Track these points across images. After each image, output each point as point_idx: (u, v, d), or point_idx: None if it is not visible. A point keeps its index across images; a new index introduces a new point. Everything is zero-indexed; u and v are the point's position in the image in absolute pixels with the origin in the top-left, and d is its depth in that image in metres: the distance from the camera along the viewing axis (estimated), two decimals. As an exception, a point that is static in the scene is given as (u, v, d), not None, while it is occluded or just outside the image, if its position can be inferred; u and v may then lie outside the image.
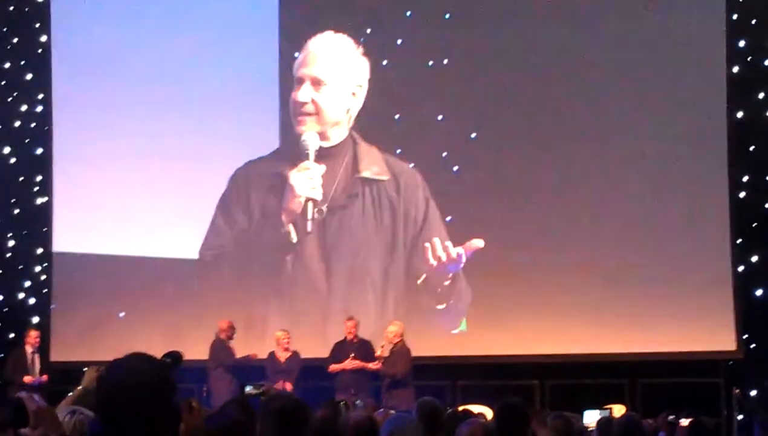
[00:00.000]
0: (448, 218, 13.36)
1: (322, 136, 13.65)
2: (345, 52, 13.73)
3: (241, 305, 13.61)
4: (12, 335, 14.49)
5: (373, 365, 12.22)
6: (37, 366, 12.65)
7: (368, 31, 13.75)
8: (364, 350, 12.42)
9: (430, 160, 13.44)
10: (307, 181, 13.46)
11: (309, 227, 13.39)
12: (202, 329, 13.03)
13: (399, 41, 13.67)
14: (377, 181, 13.55)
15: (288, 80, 13.84)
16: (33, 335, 12.86)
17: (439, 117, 13.42)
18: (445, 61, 13.47)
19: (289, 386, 12.15)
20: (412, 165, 13.54)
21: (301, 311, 13.57)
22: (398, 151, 13.54)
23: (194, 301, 13.87)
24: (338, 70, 13.73)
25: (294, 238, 13.52)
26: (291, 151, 13.68)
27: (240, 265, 13.85)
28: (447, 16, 13.58)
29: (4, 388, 12.49)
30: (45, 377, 12.63)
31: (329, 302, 13.56)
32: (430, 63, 13.51)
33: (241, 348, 12.87)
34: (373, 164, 13.58)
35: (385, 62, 13.67)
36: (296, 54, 13.83)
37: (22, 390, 12.01)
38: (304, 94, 13.61)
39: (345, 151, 13.68)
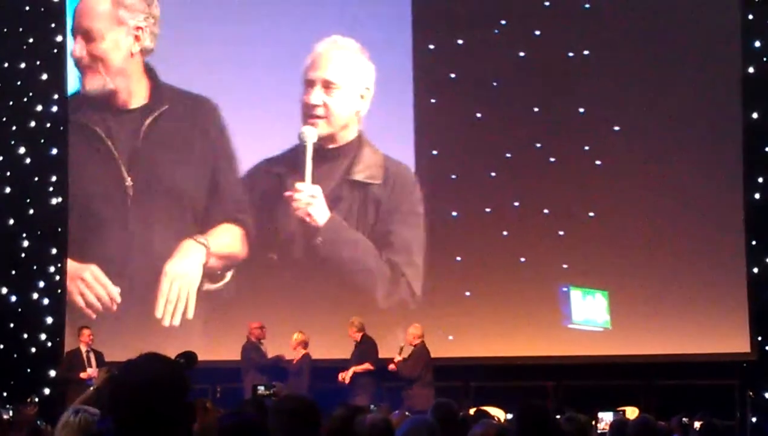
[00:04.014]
0: (591, 214, 13.03)
1: (332, 138, 13.61)
2: (352, 55, 13.64)
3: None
4: (26, 336, 14.53)
5: (367, 365, 12.21)
6: (93, 363, 12.64)
7: (503, 22, 13.40)
8: (365, 349, 12.42)
9: (571, 154, 13.08)
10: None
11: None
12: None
13: (537, 32, 13.29)
14: (367, 184, 13.49)
15: (422, 73, 13.55)
16: (86, 334, 12.85)
17: (581, 110, 13.15)
18: (586, 53, 13.12)
19: None
20: (412, 170, 13.47)
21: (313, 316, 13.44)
22: (538, 145, 13.15)
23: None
24: (348, 73, 13.64)
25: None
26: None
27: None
28: (587, 6, 13.21)
29: (63, 387, 12.68)
30: (96, 373, 12.61)
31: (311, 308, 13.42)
32: (570, 54, 13.16)
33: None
34: (368, 168, 13.52)
35: (522, 54, 13.28)
36: (431, 46, 13.55)
37: (79, 387, 12.10)
38: (315, 96, 13.54)
39: (350, 153, 13.62)
